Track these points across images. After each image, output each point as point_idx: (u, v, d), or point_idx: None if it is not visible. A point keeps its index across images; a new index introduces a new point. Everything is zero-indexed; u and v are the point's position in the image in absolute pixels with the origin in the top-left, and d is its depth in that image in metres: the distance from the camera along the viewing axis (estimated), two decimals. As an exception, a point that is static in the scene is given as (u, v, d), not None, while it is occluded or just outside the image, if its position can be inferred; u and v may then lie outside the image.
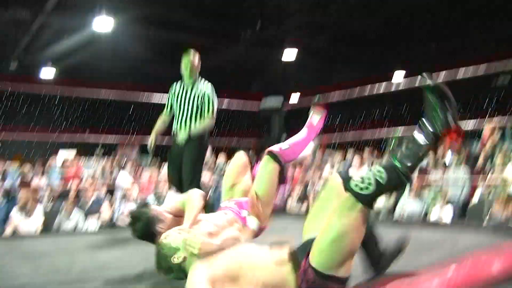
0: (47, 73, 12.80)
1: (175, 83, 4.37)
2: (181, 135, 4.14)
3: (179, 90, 4.28)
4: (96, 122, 16.39)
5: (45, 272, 2.75)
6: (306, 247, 1.94)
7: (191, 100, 4.19)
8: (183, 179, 4.14)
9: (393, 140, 14.58)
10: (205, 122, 4.18)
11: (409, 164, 1.83)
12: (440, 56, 12.42)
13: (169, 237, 2.07)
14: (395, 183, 1.82)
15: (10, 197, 6.74)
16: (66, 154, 10.32)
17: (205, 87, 4.23)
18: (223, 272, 1.83)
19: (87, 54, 11.50)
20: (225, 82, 15.24)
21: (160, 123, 4.40)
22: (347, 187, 1.87)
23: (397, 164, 1.83)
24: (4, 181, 7.34)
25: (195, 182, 4.04)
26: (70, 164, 8.11)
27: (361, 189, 1.82)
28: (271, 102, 5.37)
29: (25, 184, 7.19)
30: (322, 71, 14.52)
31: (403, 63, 13.55)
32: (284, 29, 11.61)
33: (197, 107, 4.17)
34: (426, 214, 6.44)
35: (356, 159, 8.22)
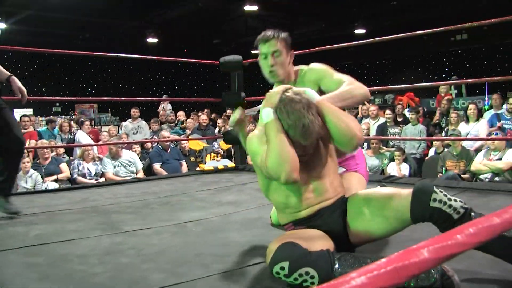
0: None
1: None
2: None
3: None
4: (53, 79, 16.01)
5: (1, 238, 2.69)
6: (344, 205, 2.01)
7: None
8: None
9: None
10: None
11: None
12: (400, 14, 12.55)
13: None
14: None
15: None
16: (22, 113, 9.99)
17: None
18: None
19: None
20: (186, 34, 15.19)
21: None
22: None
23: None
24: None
25: None
26: (25, 124, 7.87)
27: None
28: (231, 59, 5.38)
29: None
30: (284, 25, 14.45)
31: (364, 20, 13.61)
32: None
33: None
34: (383, 170, 6.63)
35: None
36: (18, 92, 3.12)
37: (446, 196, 1.78)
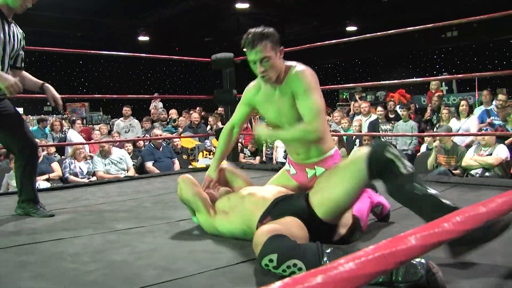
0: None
1: None
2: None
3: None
4: (44, 78, 15.92)
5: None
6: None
7: (16, 42, 3.02)
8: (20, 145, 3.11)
9: (344, 94, 14.90)
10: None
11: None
12: (391, 11, 12.60)
13: None
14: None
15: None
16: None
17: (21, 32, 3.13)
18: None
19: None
20: (178, 32, 15.15)
21: None
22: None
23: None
24: None
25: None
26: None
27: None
28: (222, 56, 5.39)
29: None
30: (275, 23, 14.47)
31: (355, 17, 13.64)
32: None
33: (19, 53, 3.10)
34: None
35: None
36: (52, 100, 3.15)
37: (400, 154, 2.02)
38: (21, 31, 3.11)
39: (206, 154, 6.55)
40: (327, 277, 0.65)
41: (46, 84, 3.17)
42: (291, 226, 1.97)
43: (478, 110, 7.42)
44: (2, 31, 2.87)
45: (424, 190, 1.94)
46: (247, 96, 2.62)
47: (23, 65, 3.16)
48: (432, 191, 1.95)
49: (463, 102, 6.85)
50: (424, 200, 1.93)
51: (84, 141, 7.76)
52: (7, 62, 2.96)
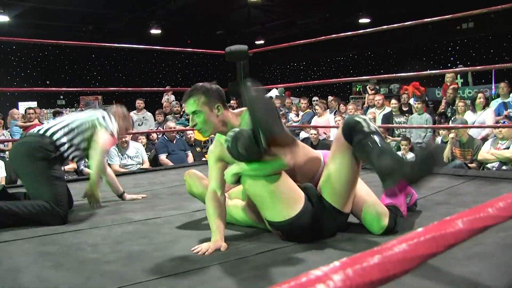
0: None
1: None
2: None
3: None
4: (57, 72, 16.03)
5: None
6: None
7: None
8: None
9: (357, 86, 14.83)
10: None
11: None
12: (405, 3, 12.49)
13: None
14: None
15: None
16: (26, 106, 10.02)
17: None
18: None
19: None
20: (189, 25, 15.18)
21: None
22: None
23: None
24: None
25: None
26: (31, 116, 7.89)
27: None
28: (236, 48, 5.38)
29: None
30: (287, 15, 14.42)
31: (368, 9, 13.55)
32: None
33: None
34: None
35: (319, 106, 8.26)
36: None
37: (368, 119, 2.14)
38: None
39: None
40: (383, 258, 0.68)
41: (125, 194, 3.51)
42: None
43: (494, 103, 7.34)
44: None
45: (378, 142, 2.04)
46: (215, 154, 2.38)
47: None
48: (386, 145, 2.07)
49: (480, 95, 6.76)
50: (374, 148, 2.03)
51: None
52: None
